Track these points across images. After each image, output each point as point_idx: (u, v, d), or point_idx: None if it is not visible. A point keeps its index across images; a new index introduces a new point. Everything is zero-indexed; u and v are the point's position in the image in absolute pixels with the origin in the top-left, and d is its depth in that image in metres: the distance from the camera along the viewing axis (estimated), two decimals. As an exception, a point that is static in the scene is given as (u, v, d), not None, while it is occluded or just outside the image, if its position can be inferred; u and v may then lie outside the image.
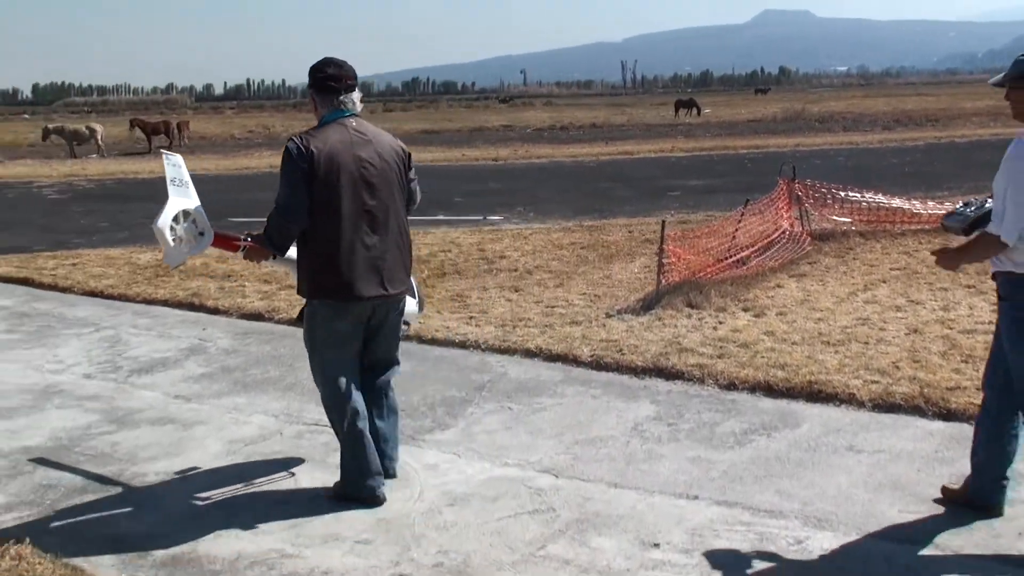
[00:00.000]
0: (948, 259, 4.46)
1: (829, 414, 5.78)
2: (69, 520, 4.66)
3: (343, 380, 4.77)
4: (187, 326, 8.63)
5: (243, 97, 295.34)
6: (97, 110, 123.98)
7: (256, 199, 19.34)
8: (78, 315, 9.24)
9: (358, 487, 4.77)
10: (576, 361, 7.02)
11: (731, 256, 9.76)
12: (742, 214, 10.61)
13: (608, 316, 8.16)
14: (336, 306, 4.70)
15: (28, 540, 4.21)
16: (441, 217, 15.53)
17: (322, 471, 5.16)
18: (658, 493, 4.78)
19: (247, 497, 4.90)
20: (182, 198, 4.93)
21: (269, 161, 30.74)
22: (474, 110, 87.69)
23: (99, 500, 4.87)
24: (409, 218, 5.02)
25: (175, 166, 5.02)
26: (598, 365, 6.90)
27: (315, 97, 4.79)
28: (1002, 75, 4.16)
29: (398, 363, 5.12)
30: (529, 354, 7.25)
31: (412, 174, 5.00)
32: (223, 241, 4.99)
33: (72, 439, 5.78)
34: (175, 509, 4.77)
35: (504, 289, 9.48)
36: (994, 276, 4.27)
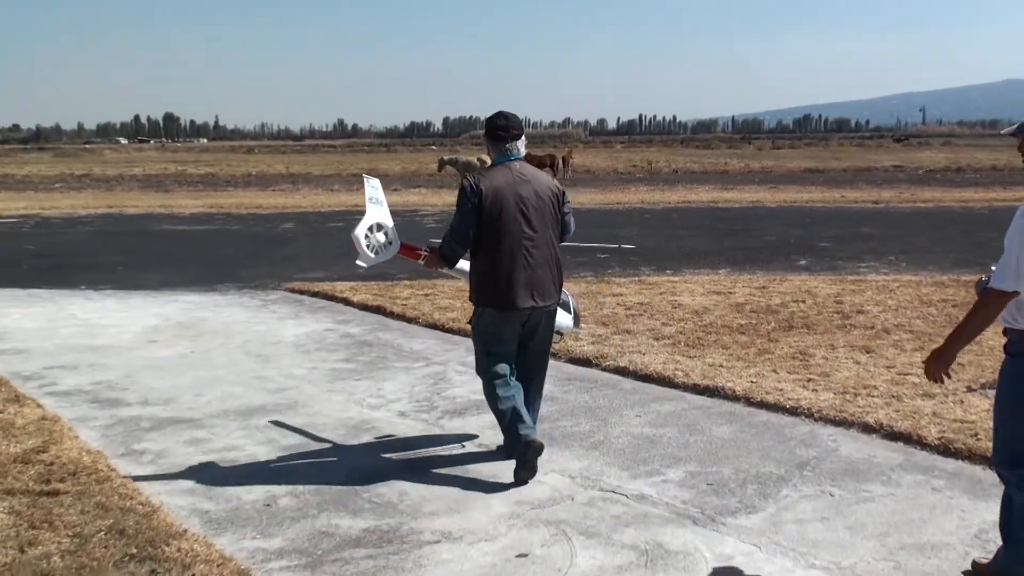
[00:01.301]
0: (937, 357, 4.09)
1: None
2: None
3: (498, 372, 5.78)
4: (514, 366, 8.44)
5: (634, 132, 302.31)
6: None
7: (614, 234, 19.32)
8: (414, 347, 9.32)
9: (517, 448, 5.62)
10: (920, 442, 6.09)
11: None
12: None
13: (969, 390, 7.11)
14: (496, 314, 5.70)
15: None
16: (802, 263, 14.64)
17: (604, 550, 4.66)
18: (991, 629, 3.90)
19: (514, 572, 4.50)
20: (377, 213, 6.11)
21: (642, 197, 30.87)
22: (865, 149, 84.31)
23: (367, 557, 4.63)
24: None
25: (373, 187, 6.25)
26: (946, 450, 5.95)
27: (488, 144, 5.85)
28: (1017, 124, 3.99)
29: (544, 371, 6.17)
30: (867, 429, 6.40)
31: (566, 208, 5.90)
32: (408, 250, 6.14)
33: (365, 483, 5.64)
34: (438, 578, 4.45)
35: (854, 349, 8.58)
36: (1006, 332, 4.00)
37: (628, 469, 5.82)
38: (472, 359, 6.12)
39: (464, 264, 5.95)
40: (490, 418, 6.81)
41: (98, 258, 16.90)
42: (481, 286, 5.75)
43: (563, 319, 6.25)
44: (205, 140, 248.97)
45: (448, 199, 29.63)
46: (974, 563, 4.39)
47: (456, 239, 5.71)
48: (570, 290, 12.11)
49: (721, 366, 8.03)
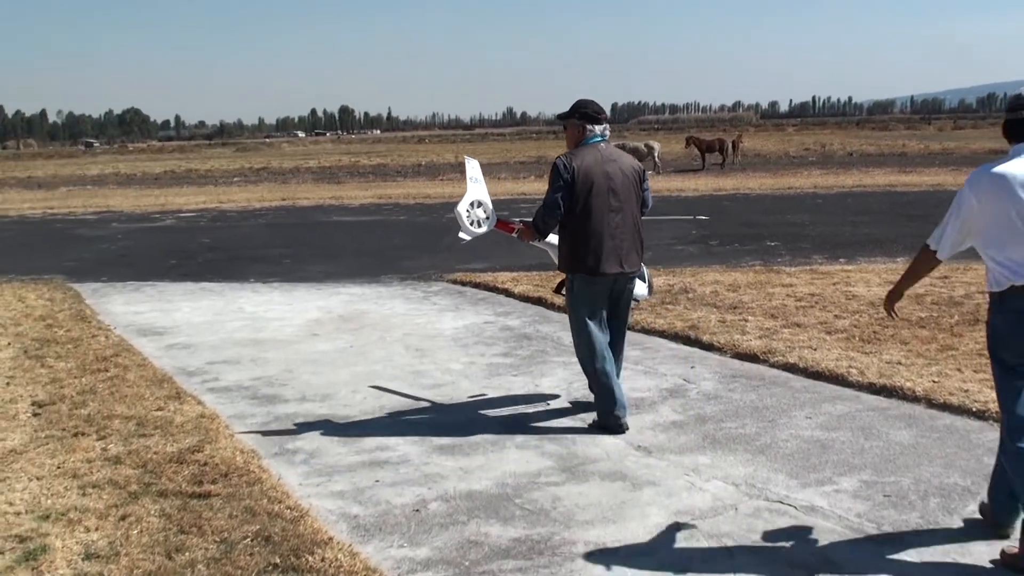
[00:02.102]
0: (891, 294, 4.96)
1: None
2: (479, 588, 4.25)
3: (593, 335, 6.33)
4: (676, 362, 8.10)
5: (807, 114, 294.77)
6: (666, 127, 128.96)
7: (784, 220, 18.65)
8: (574, 341, 9.06)
9: (607, 418, 6.34)
10: None
11: None
12: None
13: None
14: (587, 279, 6.24)
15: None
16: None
17: (769, 568, 4.30)
18: None
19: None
20: (477, 191, 6.75)
21: (815, 181, 29.88)
22: (1056, 126, 79.65)
23: (517, 570, 4.39)
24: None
25: (473, 167, 6.98)
26: None
27: (584, 125, 6.32)
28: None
29: (624, 334, 6.63)
30: (1065, 436, 5.83)
31: (646, 185, 6.47)
32: (503, 225, 6.74)
33: (517, 487, 5.41)
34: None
35: (1048, 345, 7.89)
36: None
37: (797, 477, 5.43)
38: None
39: (553, 238, 6.53)
40: (650, 418, 6.59)
41: (268, 251, 17.28)
42: (573, 254, 6.25)
43: (639, 288, 6.70)
44: (378, 131, 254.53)
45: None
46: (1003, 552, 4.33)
47: (549, 212, 6.23)
48: (737, 280, 11.73)
49: (899, 363, 7.52)
